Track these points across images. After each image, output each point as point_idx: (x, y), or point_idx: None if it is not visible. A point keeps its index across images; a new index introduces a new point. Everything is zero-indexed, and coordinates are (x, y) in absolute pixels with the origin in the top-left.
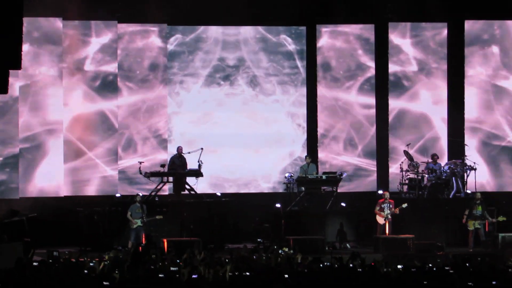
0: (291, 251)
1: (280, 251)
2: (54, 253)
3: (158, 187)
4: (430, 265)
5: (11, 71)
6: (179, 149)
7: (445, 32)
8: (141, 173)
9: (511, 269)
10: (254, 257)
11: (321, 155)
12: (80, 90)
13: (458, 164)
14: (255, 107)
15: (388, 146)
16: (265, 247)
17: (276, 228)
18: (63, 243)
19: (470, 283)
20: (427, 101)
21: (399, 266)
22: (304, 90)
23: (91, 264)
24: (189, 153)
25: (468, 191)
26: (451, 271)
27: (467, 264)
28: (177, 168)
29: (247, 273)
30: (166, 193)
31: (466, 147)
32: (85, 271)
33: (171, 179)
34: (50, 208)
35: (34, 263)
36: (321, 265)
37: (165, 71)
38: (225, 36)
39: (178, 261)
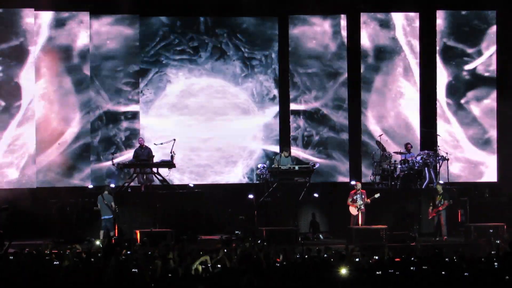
0: (264, 243)
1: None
2: (26, 250)
3: (131, 178)
4: (403, 256)
5: None
6: (140, 141)
7: (417, 22)
8: (113, 165)
9: (483, 259)
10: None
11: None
12: None
13: (430, 154)
14: (229, 99)
15: (360, 137)
16: (238, 238)
17: (249, 219)
18: (36, 235)
19: (442, 274)
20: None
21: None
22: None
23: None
24: (161, 144)
25: (441, 181)
26: (424, 267)
27: (438, 254)
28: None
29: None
30: (138, 184)
31: (438, 137)
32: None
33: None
34: (23, 199)
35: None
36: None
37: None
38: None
39: (149, 253)
